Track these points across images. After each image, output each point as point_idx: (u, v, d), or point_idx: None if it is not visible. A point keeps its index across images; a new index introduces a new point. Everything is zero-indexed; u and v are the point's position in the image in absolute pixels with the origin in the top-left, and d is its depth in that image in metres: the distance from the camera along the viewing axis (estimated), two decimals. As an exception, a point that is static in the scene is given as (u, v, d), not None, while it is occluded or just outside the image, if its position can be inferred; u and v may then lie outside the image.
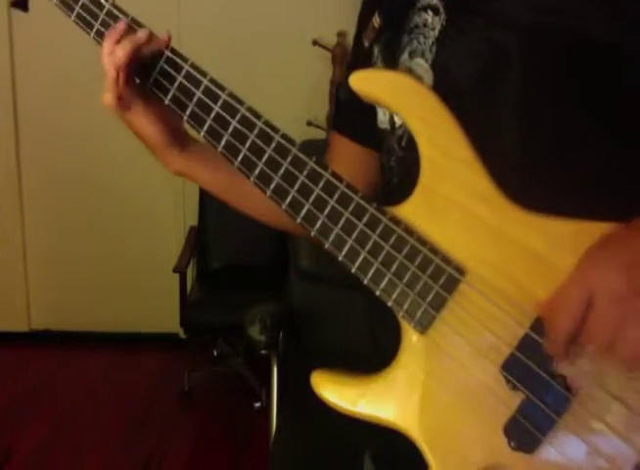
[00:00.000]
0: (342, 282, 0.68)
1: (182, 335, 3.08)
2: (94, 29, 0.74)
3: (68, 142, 3.42)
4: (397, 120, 0.74)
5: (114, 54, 0.70)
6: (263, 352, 1.69)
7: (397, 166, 0.75)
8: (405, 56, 0.73)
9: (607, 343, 0.52)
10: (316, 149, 0.69)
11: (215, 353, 3.33)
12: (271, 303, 1.84)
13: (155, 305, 3.46)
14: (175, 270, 2.90)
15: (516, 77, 0.63)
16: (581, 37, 0.61)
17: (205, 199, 3.31)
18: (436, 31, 0.69)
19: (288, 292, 2.08)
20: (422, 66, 0.70)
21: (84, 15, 0.74)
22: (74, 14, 0.74)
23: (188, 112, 0.71)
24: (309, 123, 3.19)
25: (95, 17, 0.73)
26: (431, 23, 0.70)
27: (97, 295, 3.54)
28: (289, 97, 3.27)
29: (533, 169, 0.63)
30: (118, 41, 0.70)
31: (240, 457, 2.54)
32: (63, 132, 3.41)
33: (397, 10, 0.75)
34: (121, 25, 0.71)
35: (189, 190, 3.40)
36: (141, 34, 0.70)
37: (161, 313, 3.39)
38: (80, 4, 0.73)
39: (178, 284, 2.89)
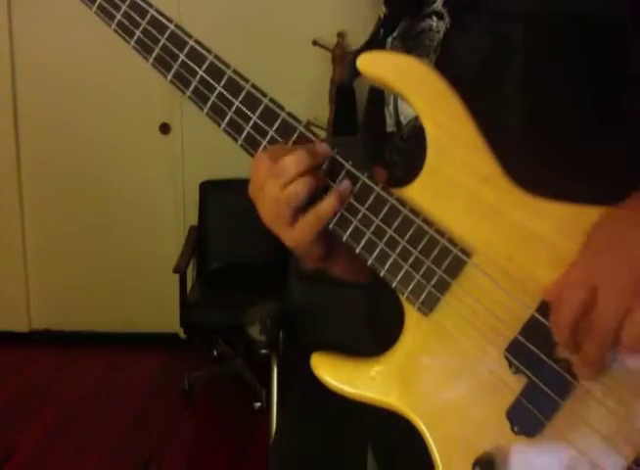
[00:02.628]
0: (343, 282, 0.67)
1: (182, 335, 3.08)
2: (134, 38, 0.70)
3: (69, 142, 3.42)
4: (403, 120, 0.75)
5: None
6: (263, 351, 1.69)
7: (400, 158, 0.75)
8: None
9: (611, 329, 0.52)
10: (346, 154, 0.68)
11: (215, 353, 3.33)
12: (271, 303, 1.84)
13: (155, 305, 3.46)
14: (175, 270, 2.91)
15: (520, 64, 0.64)
16: (584, 20, 0.61)
17: (206, 199, 3.31)
18: (441, 34, 0.70)
19: (288, 292, 2.08)
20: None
21: (127, 24, 0.70)
22: (115, 22, 0.71)
23: (226, 119, 0.68)
24: (309, 123, 3.19)
25: (137, 25, 0.70)
26: (435, 27, 0.71)
27: (97, 295, 3.54)
28: (289, 97, 3.25)
29: (537, 155, 0.63)
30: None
31: (240, 457, 2.54)
32: (63, 133, 3.41)
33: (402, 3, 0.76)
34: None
35: (189, 190, 3.41)
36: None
37: (161, 313, 3.39)
38: (122, 12, 0.70)
39: (178, 284, 2.90)
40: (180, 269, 2.92)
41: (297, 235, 0.64)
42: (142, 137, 3.41)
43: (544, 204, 0.59)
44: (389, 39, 0.78)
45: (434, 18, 0.71)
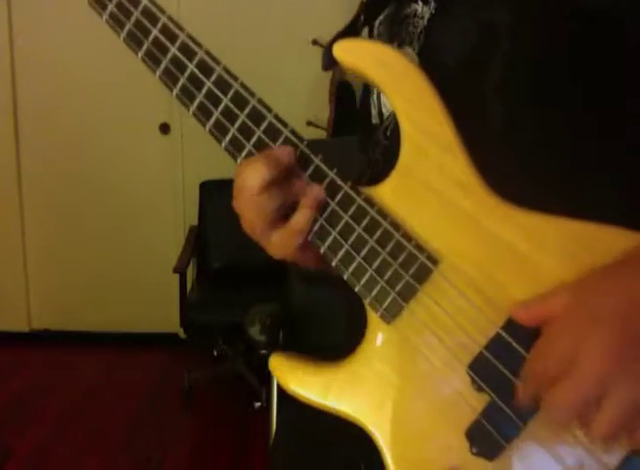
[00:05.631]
0: (342, 282, 0.66)
1: (182, 335, 3.08)
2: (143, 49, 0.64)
3: (69, 142, 3.42)
4: (385, 112, 0.72)
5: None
6: (263, 351, 1.69)
7: (382, 157, 0.72)
8: (394, 46, 0.70)
9: (584, 402, 0.48)
10: (316, 148, 0.67)
11: (215, 353, 3.33)
12: (271, 303, 1.84)
13: (155, 305, 3.46)
14: (175, 270, 2.90)
15: (504, 52, 0.60)
16: (573, 6, 0.57)
17: (205, 199, 3.31)
18: (425, 20, 0.67)
19: (288, 292, 2.08)
20: (408, 53, 0.68)
21: (135, 31, 0.64)
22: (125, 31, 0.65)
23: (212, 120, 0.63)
24: (309, 123, 3.19)
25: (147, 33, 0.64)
26: (420, 12, 0.67)
27: (97, 295, 3.54)
28: (289, 97, 3.27)
29: (519, 155, 0.59)
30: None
31: (240, 457, 2.54)
32: (63, 133, 3.41)
33: None
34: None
35: (189, 190, 3.41)
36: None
37: (161, 313, 3.39)
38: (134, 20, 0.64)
39: (178, 284, 2.90)
40: (180, 269, 2.92)
41: (277, 249, 0.62)
42: (142, 137, 3.41)
43: (521, 214, 0.56)
44: (377, 23, 0.75)
45: (420, 2, 0.67)
